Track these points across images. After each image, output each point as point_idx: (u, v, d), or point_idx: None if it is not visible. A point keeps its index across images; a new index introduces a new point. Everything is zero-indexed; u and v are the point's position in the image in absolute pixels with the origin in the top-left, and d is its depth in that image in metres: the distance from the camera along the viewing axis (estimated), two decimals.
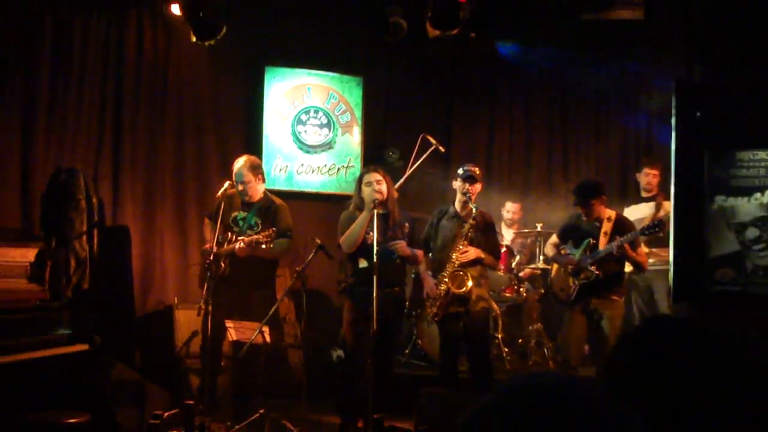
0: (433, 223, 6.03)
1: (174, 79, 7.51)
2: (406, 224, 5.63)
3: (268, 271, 6.14)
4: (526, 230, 7.96)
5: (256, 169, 6.09)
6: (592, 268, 5.75)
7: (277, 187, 7.75)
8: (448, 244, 5.84)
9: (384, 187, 5.45)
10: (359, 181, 5.61)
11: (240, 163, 6.07)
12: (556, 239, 6.29)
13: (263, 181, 6.20)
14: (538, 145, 8.95)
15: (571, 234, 6.08)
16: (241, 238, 5.75)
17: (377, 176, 5.48)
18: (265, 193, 6.19)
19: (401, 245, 5.56)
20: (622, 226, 5.88)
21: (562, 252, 6.12)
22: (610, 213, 5.92)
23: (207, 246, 5.91)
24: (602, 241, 5.78)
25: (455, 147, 8.76)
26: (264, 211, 6.05)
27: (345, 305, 5.67)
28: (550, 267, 6.56)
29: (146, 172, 7.31)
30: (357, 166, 8.29)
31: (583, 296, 5.82)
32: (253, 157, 6.25)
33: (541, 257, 7.66)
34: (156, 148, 7.38)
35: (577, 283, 5.82)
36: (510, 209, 8.18)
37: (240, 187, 6.00)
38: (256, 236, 5.70)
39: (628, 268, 6.03)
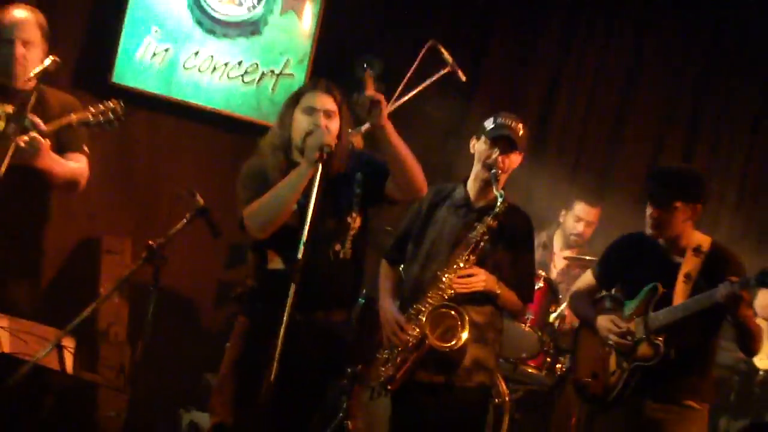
0: (420, 211, 6.02)
1: None
2: (358, 177, 5.54)
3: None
4: (590, 258, 7.86)
5: (46, 35, 6.24)
6: (658, 340, 5.61)
7: (138, 86, 8.04)
8: (441, 252, 5.84)
9: (336, 125, 5.43)
10: (292, 100, 5.58)
11: (23, 12, 6.19)
12: (591, 278, 6.26)
13: (43, 61, 6.14)
14: (642, 101, 9.26)
15: (621, 268, 6.04)
16: (34, 135, 5.78)
17: (329, 102, 5.46)
18: (38, 81, 6.11)
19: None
20: (721, 263, 5.67)
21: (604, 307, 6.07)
22: (703, 239, 5.79)
23: None
24: (680, 289, 5.64)
25: (485, 77, 9.07)
26: (43, 107, 6.09)
27: (234, 329, 5.65)
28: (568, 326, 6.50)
29: None
30: (299, 76, 8.49)
31: (636, 393, 5.71)
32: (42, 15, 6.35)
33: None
34: None
35: (626, 366, 5.74)
36: (581, 214, 8.43)
37: (18, 49, 6.07)
38: (66, 118, 5.87)
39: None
